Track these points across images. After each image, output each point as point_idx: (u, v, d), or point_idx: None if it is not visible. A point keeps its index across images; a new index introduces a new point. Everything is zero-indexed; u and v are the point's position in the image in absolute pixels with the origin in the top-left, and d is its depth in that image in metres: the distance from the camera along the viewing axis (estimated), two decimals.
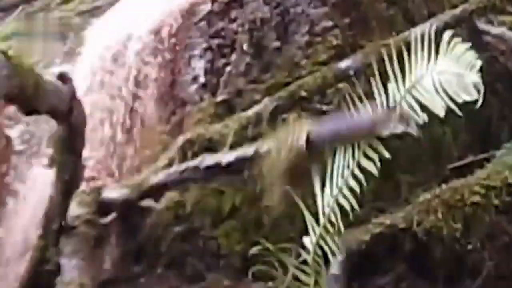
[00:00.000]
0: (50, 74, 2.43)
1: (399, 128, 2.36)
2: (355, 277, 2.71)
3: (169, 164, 2.96)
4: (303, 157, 2.37)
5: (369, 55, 2.87)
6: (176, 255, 2.92)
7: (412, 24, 3.06)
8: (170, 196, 2.95)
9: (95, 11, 4.28)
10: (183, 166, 2.84)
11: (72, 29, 4.53)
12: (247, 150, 2.57)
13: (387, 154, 2.49)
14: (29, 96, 2.18)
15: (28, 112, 2.35)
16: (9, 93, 2.06)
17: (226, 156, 2.68)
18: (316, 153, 2.40)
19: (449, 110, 2.71)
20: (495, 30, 3.77)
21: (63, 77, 2.47)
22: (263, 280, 2.80)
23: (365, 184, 2.69)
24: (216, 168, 2.68)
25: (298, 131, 2.38)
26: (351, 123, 2.43)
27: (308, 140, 2.35)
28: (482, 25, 3.63)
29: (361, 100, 2.57)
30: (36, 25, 4.76)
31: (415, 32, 2.83)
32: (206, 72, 3.12)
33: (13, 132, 3.71)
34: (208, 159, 2.72)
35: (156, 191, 2.94)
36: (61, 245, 2.73)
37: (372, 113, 2.34)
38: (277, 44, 3.07)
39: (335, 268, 2.66)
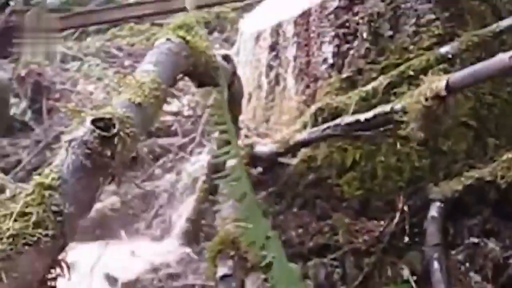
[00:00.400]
0: (216, 55, 2.55)
1: None
2: (449, 219, 2.89)
3: (304, 126, 3.10)
4: (441, 99, 2.39)
5: (464, 43, 2.98)
6: (308, 198, 3.10)
7: (499, 18, 3.12)
8: (304, 151, 3.14)
9: (247, 7, 4.46)
10: (325, 125, 2.94)
11: (229, 22, 4.81)
12: (384, 108, 2.65)
13: None
14: (200, 72, 2.38)
15: (199, 85, 2.53)
16: (186, 69, 2.23)
17: (365, 114, 2.77)
18: (455, 94, 2.49)
19: None
20: None
21: (227, 58, 2.68)
22: (377, 219, 2.99)
23: None
24: (355, 124, 2.80)
25: (435, 79, 2.40)
26: (487, 64, 2.37)
27: (447, 84, 2.34)
28: None
29: None
30: (201, 19, 4.99)
31: (500, 24, 3.01)
32: (333, 55, 3.25)
33: (184, 100, 4.04)
34: (348, 118, 2.86)
35: (301, 146, 3.13)
36: (220, 188, 2.99)
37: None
38: (390, 33, 3.19)
39: (433, 211, 2.86)
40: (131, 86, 1.71)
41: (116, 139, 1.37)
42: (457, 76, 2.41)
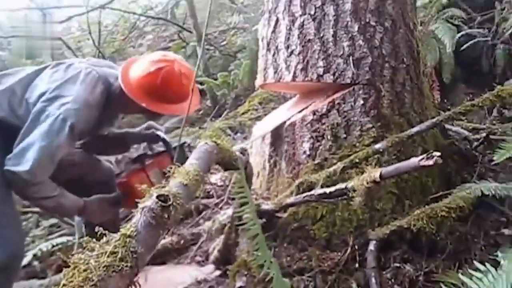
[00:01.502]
0: (236, 150, 2.57)
1: None
2: (381, 251, 2.89)
3: (291, 194, 3.07)
4: (378, 183, 2.42)
5: (390, 142, 3.02)
6: (293, 238, 3.07)
7: (411, 126, 3.19)
8: (291, 209, 3.12)
9: (256, 119, 4.51)
10: (304, 194, 2.91)
11: (246, 127, 4.87)
12: (341, 185, 2.63)
13: None
14: (226, 162, 2.40)
15: (225, 169, 2.54)
16: (217, 161, 2.26)
17: (329, 188, 2.74)
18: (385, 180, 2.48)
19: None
20: (454, 128, 3.90)
21: (242, 151, 2.65)
22: (336, 252, 2.97)
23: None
24: (323, 195, 2.76)
25: (373, 171, 2.42)
26: (405, 164, 2.37)
27: (381, 174, 2.37)
28: (447, 126, 3.73)
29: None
30: (228, 125, 5.06)
31: (412, 130, 3.10)
32: (310, 149, 3.24)
33: (217, 176, 4.07)
34: (319, 190, 2.84)
35: (289, 206, 3.08)
36: (240, 232, 2.93)
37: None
38: (344, 135, 3.20)
39: (371, 246, 2.86)
40: (181, 173, 1.75)
41: (171, 207, 1.42)
42: (387, 169, 2.42)
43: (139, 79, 2.64)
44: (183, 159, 2.97)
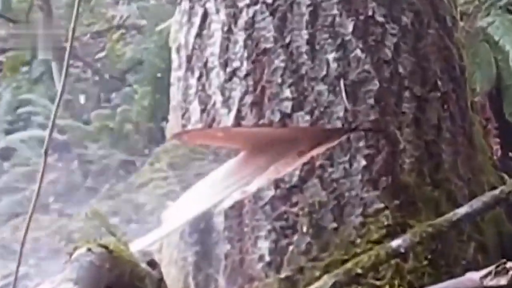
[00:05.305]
0: (142, 261, 2.61)
1: None
2: None
3: None
4: None
5: (417, 234, 3.08)
6: None
7: (455, 205, 3.28)
8: None
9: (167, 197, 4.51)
10: None
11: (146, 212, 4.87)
12: None
13: None
14: (125, 283, 2.41)
15: None
16: (109, 282, 2.25)
17: None
18: None
19: None
20: None
21: (152, 263, 2.72)
22: None
23: None
24: None
25: None
26: (459, 281, 2.51)
27: None
28: None
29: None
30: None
31: (457, 212, 3.17)
32: (270, 252, 3.25)
33: None
34: None
35: None
36: None
37: None
38: (334, 225, 3.23)
39: None
40: None
41: None
42: None
43: None
44: None
